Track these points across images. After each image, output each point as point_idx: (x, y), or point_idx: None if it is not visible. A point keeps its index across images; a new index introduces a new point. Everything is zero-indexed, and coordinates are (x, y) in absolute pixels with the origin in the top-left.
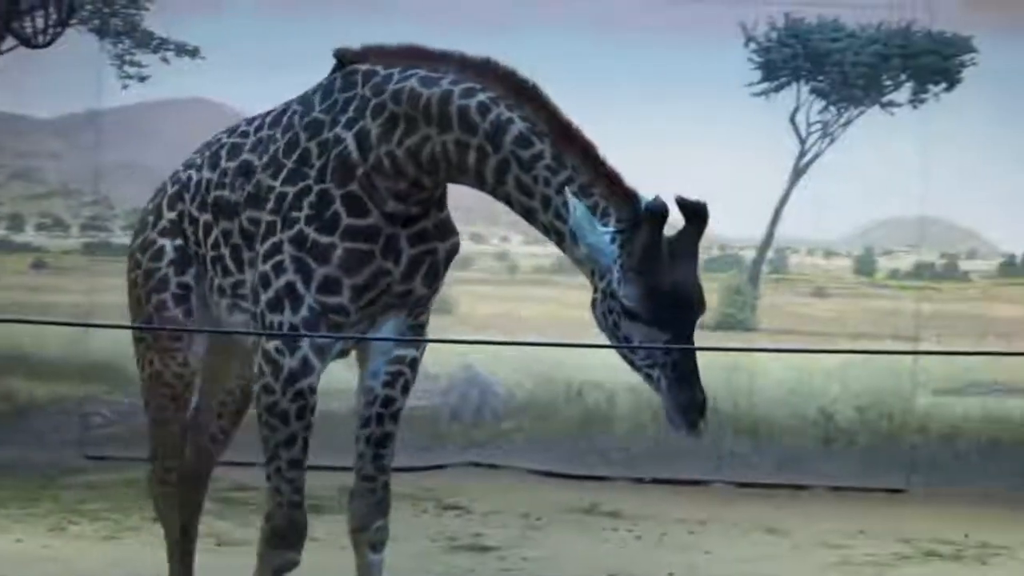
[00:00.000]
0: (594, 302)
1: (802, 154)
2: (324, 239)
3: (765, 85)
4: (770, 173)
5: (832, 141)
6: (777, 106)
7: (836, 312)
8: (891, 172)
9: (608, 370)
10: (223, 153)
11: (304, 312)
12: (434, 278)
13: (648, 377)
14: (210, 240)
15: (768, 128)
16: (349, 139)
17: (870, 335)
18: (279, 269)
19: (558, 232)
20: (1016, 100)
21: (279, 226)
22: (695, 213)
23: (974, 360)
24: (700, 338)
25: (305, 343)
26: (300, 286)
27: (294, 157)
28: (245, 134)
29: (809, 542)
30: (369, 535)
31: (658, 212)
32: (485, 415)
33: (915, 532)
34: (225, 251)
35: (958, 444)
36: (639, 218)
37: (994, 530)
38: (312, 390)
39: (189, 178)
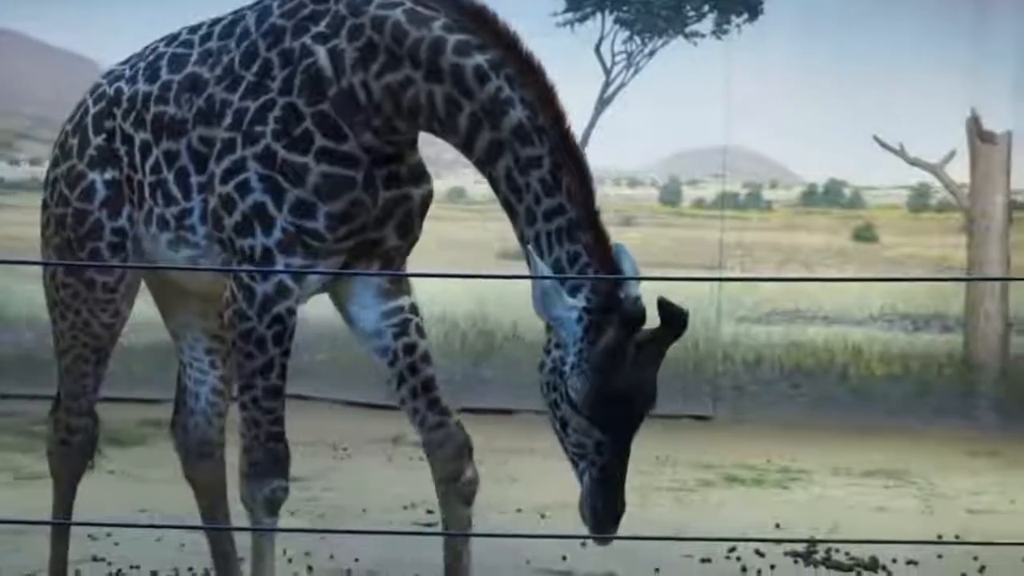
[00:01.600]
0: (542, 365)
1: (607, 84)
2: (297, 159)
3: (570, 15)
4: (575, 103)
5: (636, 71)
6: (582, 36)
7: (642, 241)
8: (695, 102)
9: (421, 300)
10: (163, 64)
11: (277, 233)
12: (409, 228)
13: (573, 463)
14: (148, 163)
15: (573, 58)
16: (321, 53)
17: (675, 264)
18: (244, 188)
19: (527, 248)
20: (817, 31)
21: (240, 142)
22: (674, 320)
23: (777, 288)
24: (503, 266)
25: (279, 265)
26: (271, 206)
27: (253, 68)
28: (188, 44)
29: None
30: (461, 487)
31: (635, 318)
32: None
33: (718, 458)
34: (168, 175)
35: (762, 371)
36: (613, 309)
37: (795, 455)
38: (291, 312)
39: (119, 92)
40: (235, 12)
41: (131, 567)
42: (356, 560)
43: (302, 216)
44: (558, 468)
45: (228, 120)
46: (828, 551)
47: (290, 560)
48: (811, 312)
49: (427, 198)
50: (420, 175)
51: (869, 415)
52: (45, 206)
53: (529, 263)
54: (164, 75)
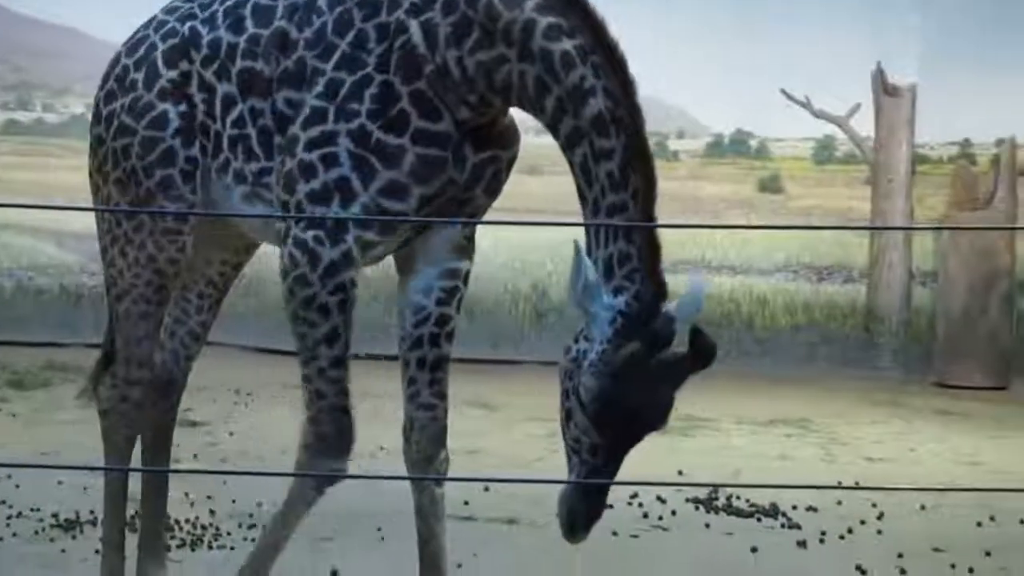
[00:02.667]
0: (567, 350)
1: None
2: (393, 140)
3: None
4: None
5: None
6: None
7: (549, 190)
8: None
9: None
10: (246, 14)
11: (356, 209)
12: (496, 188)
13: (568, 456)
14: (231, 116)
15: None
16: (415, 28)
17: (579, 212)
18: (331, 161)
19: (575, 242)
20: None
21: (332, 115)
22: (703, 351)
23: (682, 238)
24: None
25: (351, 236)
26: (356, 183)
27: (348, 38)
28: None
29: (520, 416)
30: (436, 467)
31: (662, 337)
32: None
33: None
34: (252, 132)
35: None
36: (646, 322)
37: (698, 404)
38: (354, 283)
39: (195, 34)
40: None
41: (31, 510)
42: (259, 504)
43: (392, 197)
44: (461, 416)
45: (319, 88)
46: (729, 498)
47: (192, 504)
48: (717, 262)
49: (514, 158)
50: (510, 137)
51: (773, 364)
52: (100, 142)
53: (577, 253)
54: (251, 27)
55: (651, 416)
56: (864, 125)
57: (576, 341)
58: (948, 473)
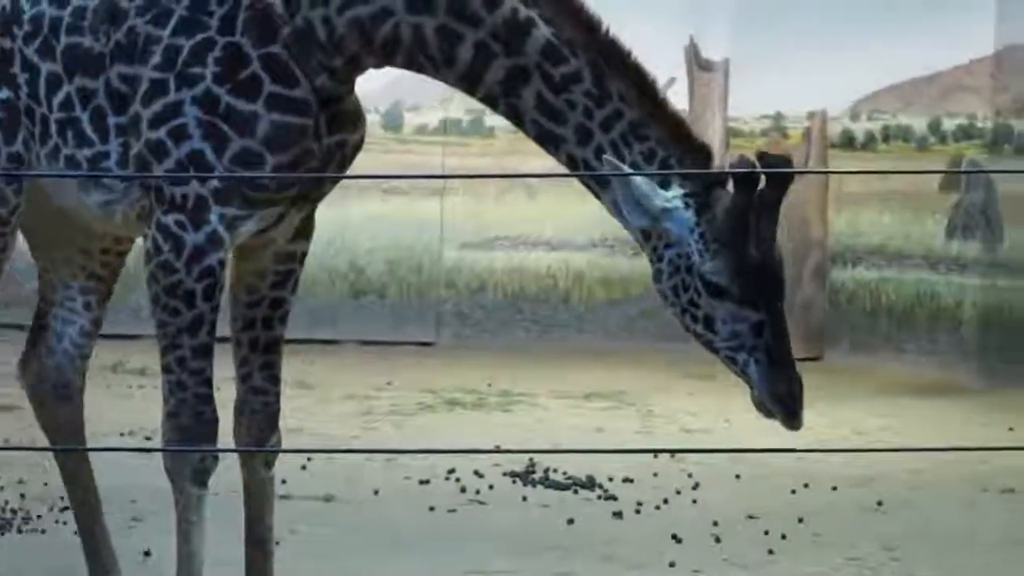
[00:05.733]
0: (658, 273)
1: None
2: (244, 105)
3: None
4: None
5: None
6: None
7: (365, 167)
8: None
9: None
10: None
11: (215, 182)
12: (342, 172)
13: (730, 360)
14: (57, 98)
15: None
16: None
17: (399, 190)
18: (180, 134)
19: (604, 157)
20: None
21: (172, 84)
22: (779, 167)
23: (500, 214)
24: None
25: (214, 216)
26: (210, 154)
27: (185, 2)
28: None
29: (337, 395)
30: (264, 453)
31: (750, 175)
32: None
33: (441, 383)
34: (82, 115)
35: (485, 297)
36: (720, 179)
37: (516, 379)
38: (222, 265)
39: (17, 8)
40: None
41: None
42: None
43: (245, 166)
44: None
45: (157, 58)
46: (546, 471)
47: (2, 488)
48: (534, 238)
49: (359, 144)
50: (357, 118)
51: (591, 339)
52: None
53: (598, 183)
54: (75, 0)
55: (775, 260)
56: (678, 99)
57: (660, 260)
58: (763, 442)
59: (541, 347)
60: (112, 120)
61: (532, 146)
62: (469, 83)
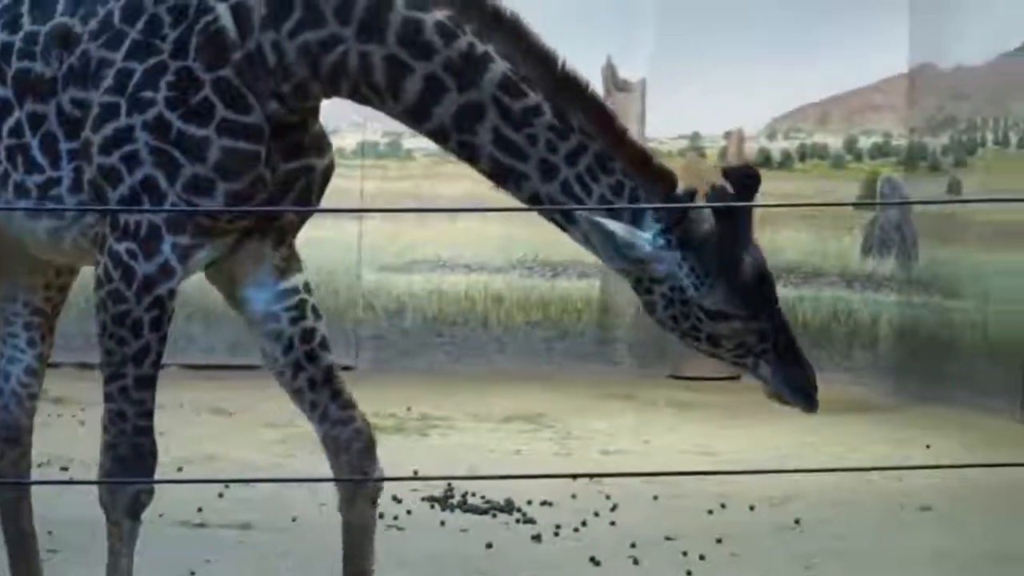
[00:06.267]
0: (650, 305)
1: None
2: (195, 131)
3: None
4: None
5: None
6: None
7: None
8: None
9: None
10: (23, 11)
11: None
12: (307, 202)
13: (739, 365)
14: (7, 124)
15: None
16: (222, 11)
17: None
18: (132, 160)
19: (562, 206)
20: None
21: (124, 109)
22: (743, 179)
23: (419, 237)
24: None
25: (166, 246)
26: (162, 181)
27: (139, 25)
28: None
29: (254, 421)
30: (369, 489)
31: (730, 205)
32: None
33: (360, 407)
34: (32, 141)
35: (404, 320)
36: (682, 216)
37: (435, 402)
38: (172, 296)
39: None
40: None
41: None
42: None
43: (197, 194)
44: (199, 422)
45: (108, 82)
46: (464, 495)
47: None
48: (453, 261)
49: (329, 169)
50: (322, 144)
51: (510, 361)
52: None
53: (564, 217)
54: (27, 24)
55: (762, 260)
56: None
57: (649, 293)
58: (681, 463)
59: (460, 370)
60: (64, 145)
61: (451, 169)
62: (416, 117)
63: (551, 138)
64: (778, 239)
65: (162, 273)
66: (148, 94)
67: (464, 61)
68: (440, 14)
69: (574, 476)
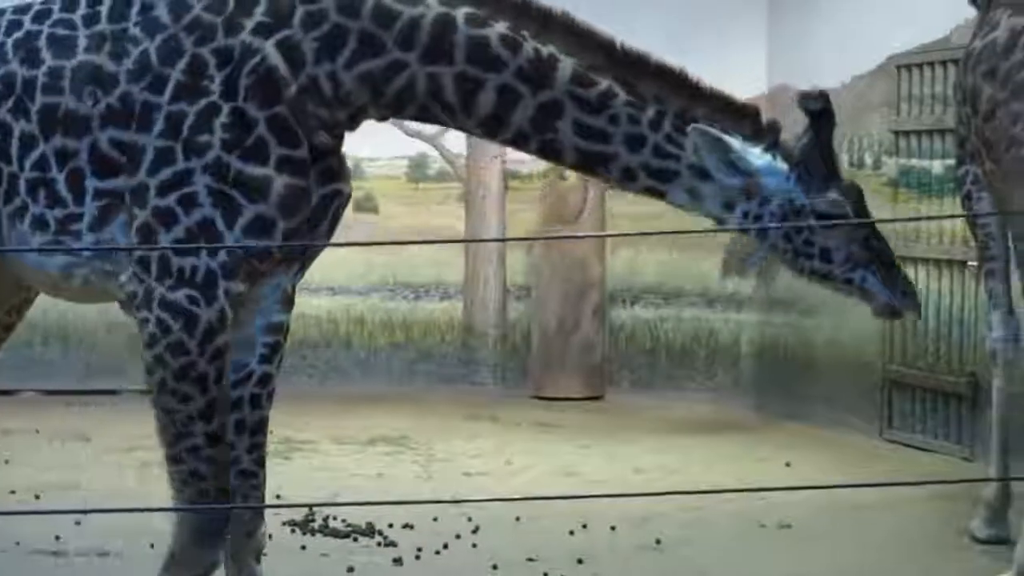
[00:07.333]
0: (761, 232)
1: None
2: (256, 170)
3: None
4: None
5: None
6: None
7: None
8: None
9: None
10: (42, 46)
11: (224, 255)
12: (334, 227)
13: (848, 282)
14: (30, 158)
15: None
16: (270, 50)
17: None
18: (190, 203)
19: (658, 172)
20: None
21: (181, 152)
22: (823, 115)
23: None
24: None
25: (221, 290)
26: (220, 223)
27: (180, 66)
28: (67, 24)
29: (114, 447)
30: (254, 542)
31: (824, 109)
32: None
33: None
34: (58, 175)
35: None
36: (774, 128)
37: (298, 426)
38: (228, 348)
39: None
40: None
41: None
42: None
43: (257, 234)
44: (55, 449)
45: (159, 126)
46: (326, 518)
47: None
48: (316, 284)
49: (350, 196)
50: (346, 169)
51: (373, 383)
52: None
53: (661, 181)
54: (49, 60)
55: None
56: (456, 143)
57: (761, 219)
58: (544, 484)
59: (323, 393)
60: (91, 183)
61: None
62: (491, 127)
63: (631, 112)
64: (637, 260)
65: (221, 321)
66: (204, 137)
67: (533, 66)
68: (501, 27)
69: (435, 502)
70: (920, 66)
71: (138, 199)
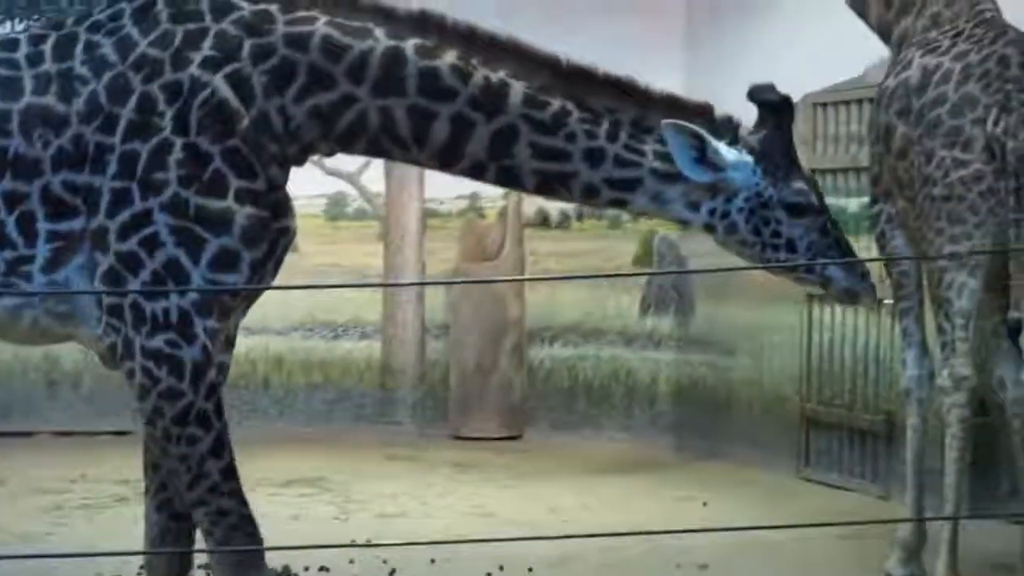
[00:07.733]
0: (732, 226)
1: None
2: (216, 204)
3: None
4: None
5: None
6: None
7: None
8: None
9: None
10: None
11: (194, 294)
12: (279, 265)
13: (811, 271)
14: None
15: None
16: (219, 83)
17: None
18: (152, 244)
19: (621, 183)
20: None
21: (138, 192)
22: (771, 102)
23: None
24: None
25: (199, 328)
26: (185, 261)
27: (130, 105)
28: (12, 64)
29: (25, 489)
30: None
31: (784, 99)
32: None
33: (136, 474)
34: (7, 218)
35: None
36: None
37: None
38: (220, 381)
39: None
40: (58, 29)
41: None
42: None
43: (224, 268)
44: None
45: (114, 167)
46: None
47: None
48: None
49: (295, 233)
50: (292, 206)
51: (290, 424)
52: None
53: (626, 190)
54: None
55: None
56: (375, 181)
57: (727, 216)
58: (461, 525)
59: (241, 434)
60: (43, 225)
61: None
62: (446, 158)
63: (587, 128)
64: (556, 298)
65: (206, 358)
66: (160, 175)
67: (485, 93)
68: (450, 56)
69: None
70: (835, 104)
71: (99, 242)
